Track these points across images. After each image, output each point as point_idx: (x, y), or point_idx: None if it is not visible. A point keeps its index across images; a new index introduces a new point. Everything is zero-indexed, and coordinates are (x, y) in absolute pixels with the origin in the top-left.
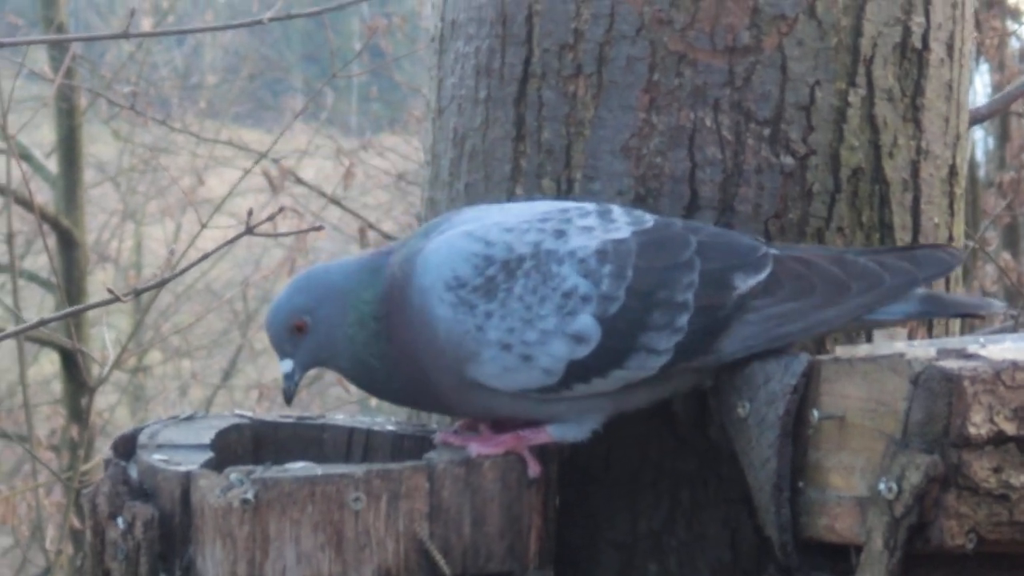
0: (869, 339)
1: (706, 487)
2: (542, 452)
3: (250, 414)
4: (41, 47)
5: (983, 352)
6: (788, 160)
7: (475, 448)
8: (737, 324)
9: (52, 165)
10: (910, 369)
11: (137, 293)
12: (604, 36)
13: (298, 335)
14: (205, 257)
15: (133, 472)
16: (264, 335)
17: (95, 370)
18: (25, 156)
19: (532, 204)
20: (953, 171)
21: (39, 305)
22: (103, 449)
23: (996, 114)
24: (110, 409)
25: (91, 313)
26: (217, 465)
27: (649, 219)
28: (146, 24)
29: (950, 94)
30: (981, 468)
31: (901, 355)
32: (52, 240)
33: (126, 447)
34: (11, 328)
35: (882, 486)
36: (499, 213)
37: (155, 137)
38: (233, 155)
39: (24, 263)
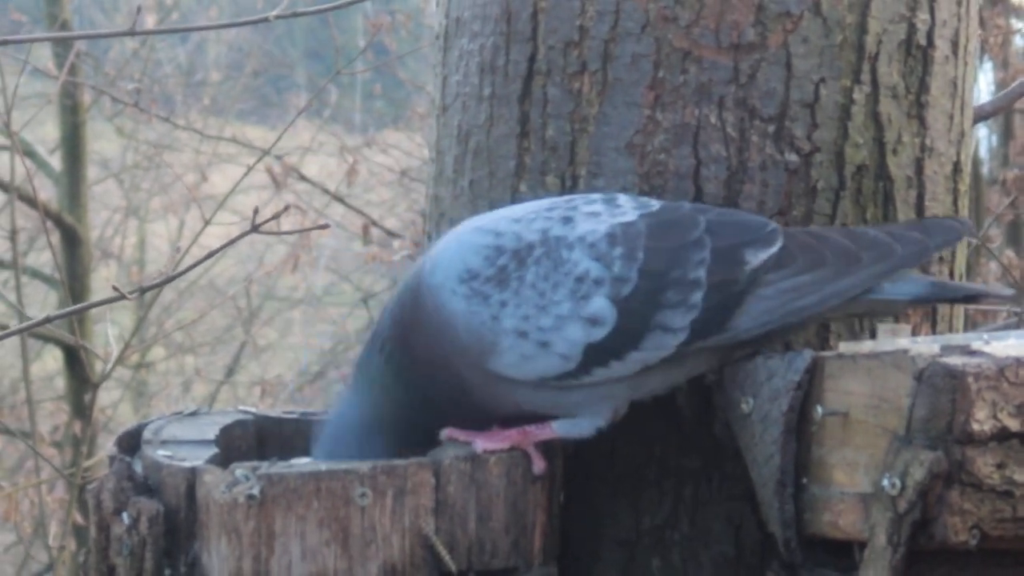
0: (873, 335)
1: (710, 483)
2: (547, 448)
3: (254, 410)
4: (45, 44)
5: (987, 349)
6: (792, 157)
7: (480, 444)
8: (751, 299)
9: (56, 162)
10: (914, 365)
11: (142, 291)
12: (609, 33)
13: None
14: (211, 255)
15: (138, 468)
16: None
17: (98, 366)
18: (29, 153)
19: (538, 200)
20: (957, 168)
21: (42, 302)
22: (106, 445)
23: (1000, 111)
24: (113, 405)
25: (94, 310)
26: (222, 461)
27: (655, 203)
28: (150, 21)
29: (954, 91)
30: (984, 464)
31: (905, 351)
32: (55, 237)
33: (130, 443)
34: (15, 325)
35: (885, 482)
36: (504, 210)
37: (159, 134)
38: (237, 152)
39: (27, 260)
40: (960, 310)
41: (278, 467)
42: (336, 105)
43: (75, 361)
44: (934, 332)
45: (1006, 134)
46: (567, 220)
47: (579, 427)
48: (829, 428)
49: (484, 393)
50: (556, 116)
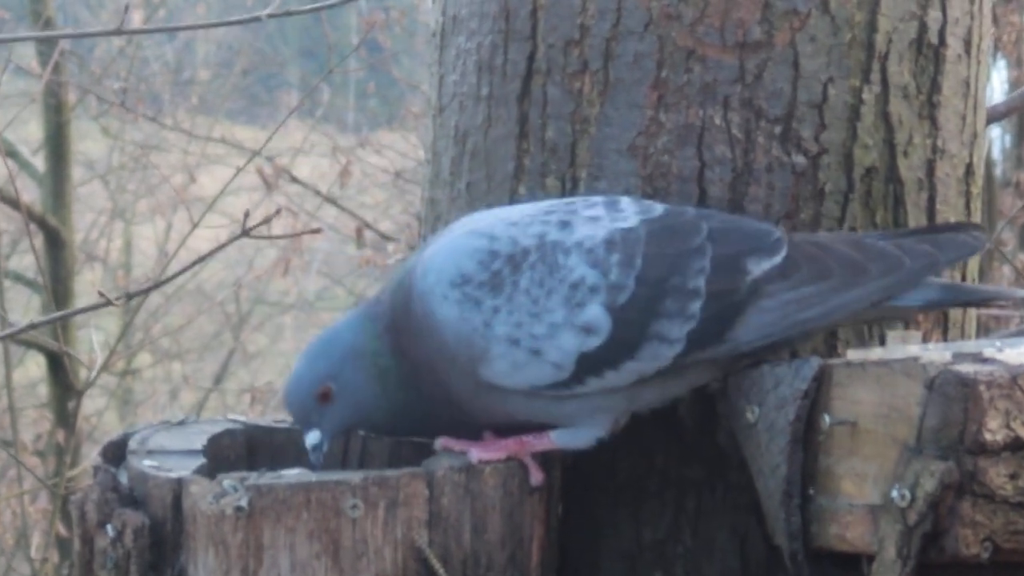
0: (882, 342)
1: (713, 494)
2: (545, 459)
3: (243, 419)
4: (28, 41)
5: (1000, 356)
6: (800, 159)
7: (476, 454)
8: (752, 310)
9: (39, 163)
10: (924, 373)
11: (129, 297)
12: (611, 31)
13: (323, 403)
14: (200, 260)
15: (123, 478)
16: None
17: (82, 373)
18: (11, 153)
19: (536, 203)
20: (970, 170)
21: (25, 306)
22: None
23: (1014, 112)
24: (98, 414)
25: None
26: (210, 471)
27: (659, 208)
28: (137, 18)
29: (967, 91)
30: (997, 475)
31: (915, 359)
32: (39, 240)
33: (116, 453)
34: None
35: (895, 493)
36: (501, 211)
37: (145, 134)
38: (226, 152)
39: (10, 263)
40: (972, 316)
41: (267, 478)
42: (329, 104)
43: (59, 368)
44: (945, 339)
45: (1020, 135)
46: (565, 225)
47: (578, 437)
48: (837, 438)
49: (475, 403)
50: (556, 117)
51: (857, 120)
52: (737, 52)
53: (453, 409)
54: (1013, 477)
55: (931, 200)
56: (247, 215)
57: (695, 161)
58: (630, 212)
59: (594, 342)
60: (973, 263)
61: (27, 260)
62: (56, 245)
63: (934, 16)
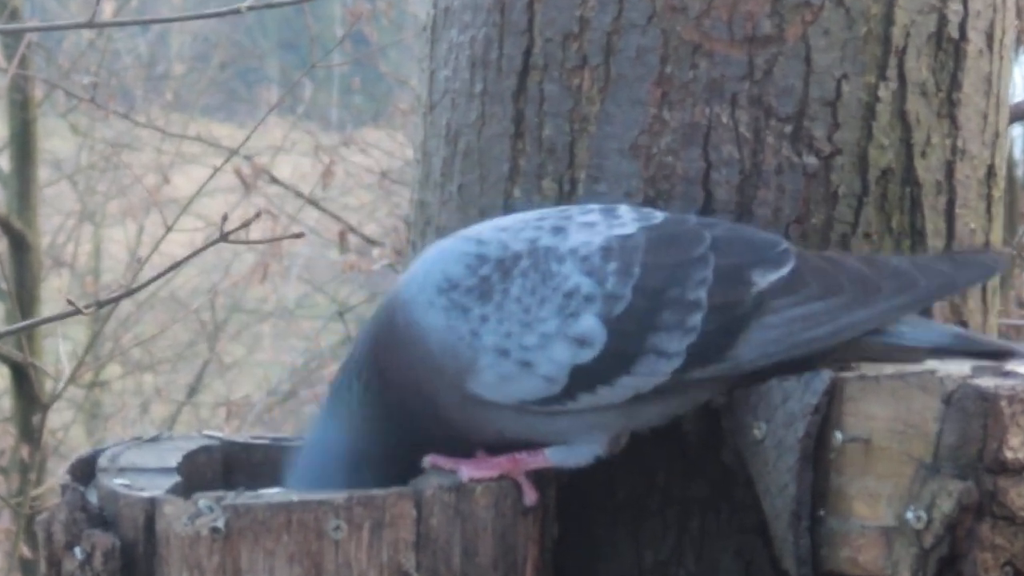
0: None
1: (718, 515)
2: (539, 477)
3: (220, 435)
4: None
5: (1021, 370)
6: (811, 160)
7: (466, 472)
8: (756, 326)
9: (3, 162)
10: (942, 387)
11: (100, 305)
12: (612, 25)
13: None
14: (174, 267)
15: (92, 498)
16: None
17: (48, 385)
18: None
19: (528, 212)
20: (991, 172)
21: None
22: (56, 471)
23: None
24: (64, 428)
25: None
26: (184, 490)
27: (659, 215)
28: (108, 10)
29: (989, 88)
30: (1019, 496)
31: (932, 372)
32: (3, 244)
33: (84, 470)
34: None
35: (910, 515)
36: (493, 221)
37: (117, 132)
38: (202, 151)
39: None
40: (992, 325)
41: (245, 497)
42: (311, 101)
43: (23, 379)
44: None
45: None
46: (558, 230)
47: (575, 455)
48: (849, 455)
49: (462, 420)
50: (553, 115)
51: (872, 119)
52: (746, 47)
53: (443, 426)
54: None
55: (950, 203)
56: (225, 218)
57: (701, 162)
58: (628, 219)
59: (588, 355)
60: None
61: None
62: (21, 249)
63: (955, 9)
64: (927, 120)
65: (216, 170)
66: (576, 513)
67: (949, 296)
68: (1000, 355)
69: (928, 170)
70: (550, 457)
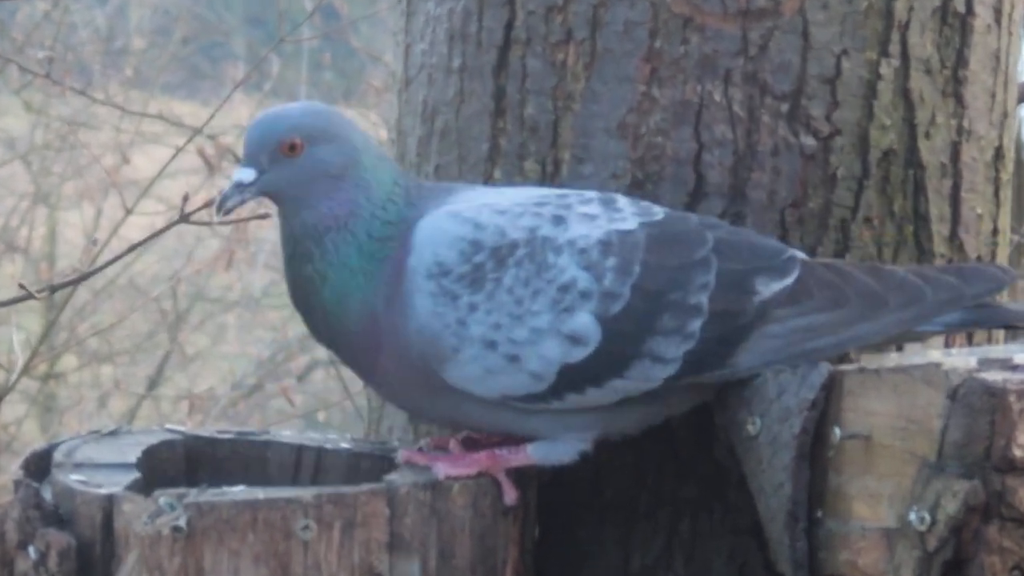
0: (899, 346)
1: (709, 516)
2: (520, 475)
3: (183, 429)
4: None
5: None
6: (809, 140)
7: (443, 469)
8: (757, 335)
9: None
10: (947, 381)
11: (53, 290)
12: None
13: (285, 154)
14: (133, 249)
15: (47, 494)
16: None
17: (0, 377)
18: None
19: (527, 188)
20: (999, 154)
21: None
22: (9, 467)
23: None
24: (17, 422)
25: None
26: (144, 487)
27: (658, 210)
28: None
29: (997, 65)
30: None
31: (937, 365)
32: None
33: (39, 466)
34: None
35: (913, 516)
36: (490, 194)
37: (73, 109)
38: (163, 130)
39: None
40: None
41: (208, 495)
42: (279, 77)
43: None
44: (970, 343)
45: None
46: (559, 220)
47: (559, 452)
48: (848, 453)
49: (430, 402)
50: (536, 92)
51: (874, 97)
52: (740, 20)
53: (420, 391)
54: None
55: (955, 187)
56: (186, 199)
57: (692, 142)
58: (628, 212)
59: (580, 353)
60: (1001, 260)
61: None
62: None
63: None
64: (931, 99)
65: (179, 150)
66: (560, 513)
67: (957, 310)
68: (1016, 324)
69: (932, 152)
70: (532, 454)
